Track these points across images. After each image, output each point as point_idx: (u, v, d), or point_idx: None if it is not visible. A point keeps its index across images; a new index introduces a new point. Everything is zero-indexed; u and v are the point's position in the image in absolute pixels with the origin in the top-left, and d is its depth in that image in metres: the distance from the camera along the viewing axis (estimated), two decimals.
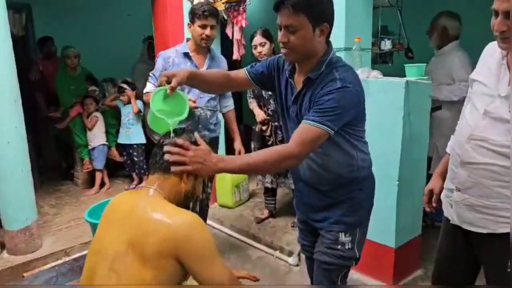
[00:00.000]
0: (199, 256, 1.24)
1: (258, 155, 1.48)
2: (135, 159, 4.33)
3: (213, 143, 2.73)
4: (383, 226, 2.49)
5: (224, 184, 3.87)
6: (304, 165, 1.66)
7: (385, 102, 2.35)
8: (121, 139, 4.39)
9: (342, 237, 1.68)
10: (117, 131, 4.45)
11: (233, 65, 3.62)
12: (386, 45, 2.94)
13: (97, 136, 4.40)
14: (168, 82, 1.51)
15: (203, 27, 2.51)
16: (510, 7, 1.28)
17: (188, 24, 2.60)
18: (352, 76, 1.52)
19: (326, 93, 1.45)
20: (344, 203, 1.68)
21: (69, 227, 3.57)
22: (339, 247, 1.69)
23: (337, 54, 2.48)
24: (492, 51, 1.49)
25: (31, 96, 4.47)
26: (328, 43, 1.56)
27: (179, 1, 3.58)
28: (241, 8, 3.27)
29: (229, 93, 2.92)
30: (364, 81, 2.38)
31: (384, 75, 2.49)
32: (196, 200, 1.52)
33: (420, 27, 3.13)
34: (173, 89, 1.49)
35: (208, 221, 3.67)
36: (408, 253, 2.59)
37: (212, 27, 2.54)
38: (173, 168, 1.34)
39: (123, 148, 4.43)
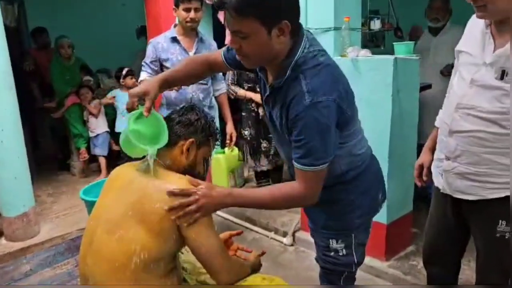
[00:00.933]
0: (198, 221, 1.27)
1: (268, 192, 1.36)
2: None
3: None
4: None
5: (219, 169, 3.89)
6: (284, 157, 1.56)
7: (374, 80, 2.38)
8: (121, 126, 4.26)
9: (334, 244, 1.53)
10: (113, 120, 4.47)
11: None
12: (376, 24, 2.97)
13: (100, 124, 4.42)
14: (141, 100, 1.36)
15: (187, 10, 2.56)
16: None
17: (174, 9, 2.63)
18: (322, 82, 1.24)
19: (296, 118, 1.23)
20: (326, 206, 1.48)
21: (66, 214, 3.61)
22: (332, 254, 1.55)
23: (327, 34, 2.54)
24: (475, 22, 1.51)
25: (26, 87, 4.46)
26: (296, 38, 1.28)
27: None
28: None
29: (220, 76, 2.95)
30: (353, 59, 2.43)
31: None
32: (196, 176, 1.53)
33: (408, 7, 3.16)
34: (149, 110, 1.35)
35: None
36: (400, 229, 2.63)
37: (196, 10, 2.57)
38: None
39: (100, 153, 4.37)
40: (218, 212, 3.60)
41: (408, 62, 2.37)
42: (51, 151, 5.10)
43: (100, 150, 4.43)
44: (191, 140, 1.40)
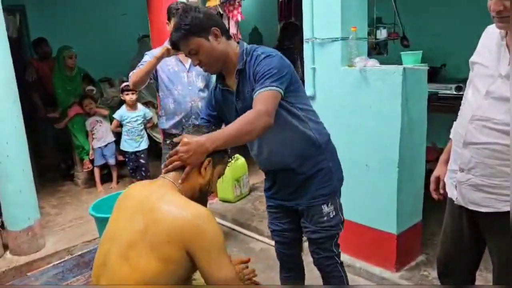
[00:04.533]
0: (207, 249, 1.24)
1: (234, 124, 1.51)
2: (142, 161, 4.25)
3: None
4: (385, 213, 2.52)
5: (224, 178, 3.88)
6: (266, 154, 1.79)
7: (383, 90, 2.37)
8: (129, 147, 4.21)
9: (325, 208, 1.81)
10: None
11: None
12: (382, 34, 2.96)
13: (108, 133, 4.42)
14: None
15: None
16: None
17: (167, 23, 2.67)
18: (271, 49, 1.70)
19: (256, 65, 1.63)
20: (315, 177, 1.79)
21: (72, 226, 3.58)
22: (325, 218, 1.82)
23: (334, 44, 2.54)
24: (491, 33, 1.51)
25: (28, 97, 4.46)
26: (231, 39, 1.72)
27: None
28: (236, 3, 3.28)
29: None
30: (361, 70, 2.43)
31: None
32: (210, 193, 1.54)
33: (414, 16, 3.16)
34: None
35: None
36: (409, 238, 2.61)
37: None
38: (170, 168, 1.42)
39: (127, 155, 4.28)
40: (226, 223, 3.58)
41: (417, 72, 2.36)
42: (54, 161, 5.07)
43: (112, 160, 4.44)
44: (208, 159, 1.39)
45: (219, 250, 1.26)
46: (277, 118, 1.58)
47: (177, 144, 1.41)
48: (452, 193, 1.67)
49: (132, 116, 4.16)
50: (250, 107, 1.55)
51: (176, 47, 1.67)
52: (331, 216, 1.82)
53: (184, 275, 1.28)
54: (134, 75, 2.53)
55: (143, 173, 4.28)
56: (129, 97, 4.07)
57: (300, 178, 1.80)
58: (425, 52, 2.48)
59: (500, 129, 1.42)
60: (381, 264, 2.63)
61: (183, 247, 1.23)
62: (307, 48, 2.68)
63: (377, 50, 3.88)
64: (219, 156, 1.47)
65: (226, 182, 3.87)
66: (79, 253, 2.85)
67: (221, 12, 3.36)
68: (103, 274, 1.32)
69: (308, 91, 2.63)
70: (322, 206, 1.80)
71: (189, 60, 2.67)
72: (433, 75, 3.80)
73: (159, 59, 2.45)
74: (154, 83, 2.73)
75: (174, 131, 2.74)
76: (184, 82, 2.70)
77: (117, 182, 4.51)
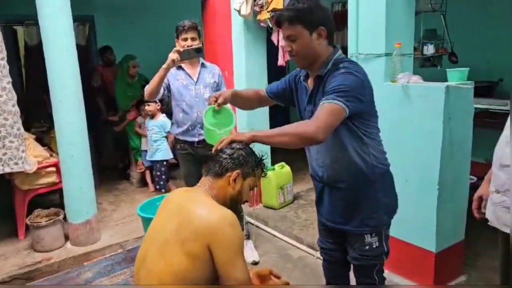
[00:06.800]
0: (226, 249, 1.37)
1: (285, 128, 1.57)
2: (158, 173, 4.25)
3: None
4: (423, 230, 2.50)
5: (269, 186, 3.99)
6: (320, 164, 1.80)
7: (425, 107, 2.36)
8: (146, 155, 4.38)
9: (369, 238, 1.80)
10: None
11: (279, 70, 3.76)
12: (429, 50, 2.93)
13: None
14: (216, 101, 1.83)
15: (185, 40, 2.85)
16: None
17: (176, 40, 2.91)
18: (356, 67, 1.66)
19: (332, 78, 1.61)
20: (362, 205, 1.78)
21: (125, 222, 3.85)
22: (367, 247, 1.81)
23: (378, 59, 2.57)
24: None
25: (93, 101, 4.83)
26: (333, 46, 1.73)
27: (227, 9, 3.76)
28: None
29: None
30: (404, 86, 2.44)
31: (432, 78, 2.50)
32: (242, 203, 1.67)
33: (464, 32, 3.09)
34: (220, 105, 1.82)
35: (253, 221, 3.81)
36: (449, 258, 2.56)
37: (192, 39, 2.85)
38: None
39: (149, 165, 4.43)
40: (267, 229, 3.68)
41: (461, 90, 2.32)
42: (114, 161, 5.43)
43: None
44: (237, 171, 1.52)
45: (236, 251, 1.38)
46: (338, 134, 1.63)
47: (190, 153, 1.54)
48: (488, 213, 1.67)
49: (149, 125, 4.29)
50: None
51: (278, 24, 1.69)
52: (374, 246, 1.81)
53: (211, 273, 1.40)
54: (147, 87, 2.75)
55: (158, 186, 4.28)
56: (146, 108, 4.24)
57: (345, 203, 1.80)
58: (483, 67, 2.43)
59: None
60: (419, 281, 2.60)
61: (206, 245, 1.37)
62: None
63: (431, 62, 3.83)
64: (249, 168, 1.58)
65: (271, 189, 3.98)
66: (128, 248, 3.07)
67: (271, 25, 3.48)
68: (142, 268, 1.49)
69: None
70: (366, 236, 1.80)
71: (197, 73, 2.96)
72: (489, 90, 3.68)
73: (166, 70, 2.63)
74: (168, 94, 2.95)
75: (181, 138, 2.98)
76: (192, 94, 2.92)
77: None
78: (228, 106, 1.91)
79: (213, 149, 1.58)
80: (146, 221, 2.66)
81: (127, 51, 4.89)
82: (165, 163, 4.26)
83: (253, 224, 3.78)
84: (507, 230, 1.55)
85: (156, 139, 4.22)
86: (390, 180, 1.85)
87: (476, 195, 1.81)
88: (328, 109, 1.52)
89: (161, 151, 4.23)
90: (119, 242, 3.45)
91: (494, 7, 3.72)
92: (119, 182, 5.05)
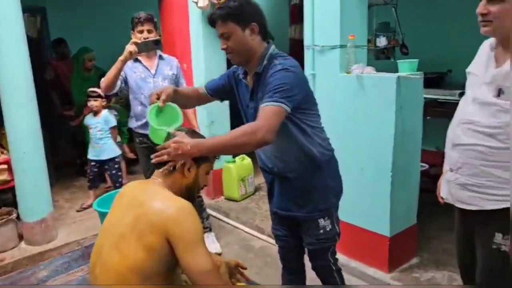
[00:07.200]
0: (184, 239, 1.35)
1: (229, 134, 1.56)
2: (113, 171, 3.99)
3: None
4: (377, 216, 2.60)
5: (230, 178, 4.01)
6: (269, 156, 1.85)
7: (377, 97, 2.45)
8: (89, 154, 4.02)
9: (322, 222, 1.87)
10: (128, 130, 4.56)
11: None
12: (382, 41, 3.03)
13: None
14: (158, 99, 1.74)
15: (141, 32, 2.81)
16: None
17: (131, 33, 2.86)
18: (291, 62, 1.69)
19: (270, 76, 1.64)
20: (313, 192, 1.84)
21: (82, 219, 3.76)
22: (321, 231, 1.88)
23: (333, 51, 2.63)
24: (485, 46, 1.65)
25: (46, 95, 4.66)
26: (267, 41, 1.77)
27: (184, 1, 3.72)
28: None
29: None
30: (358, 76, 2.51)
31: (386, 70, 2.58)
32: (200, 189, 1.65)
33: (415, 24, 3.22)
34: (164, 102, 1.72)
35: (214, 213, 3.82)
36: (403, 241, 2.68)
37: (149, 31, 2.82)
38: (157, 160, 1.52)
39: (93, 164, 4.02)
40: (229, 221, 3.70)
41: (412, 80, 2.42)
42: (70, 156, 5.26)
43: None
44: (190, 162, 1.52)
45: (196, 241, 1.37)
46: (283, 128, 1.64)
47: (150, 146, 1.51)
48: (443, 191, 1.78)
49: (92, 122, 3.96)
50: (254, 118, 1.61)
51: (212, 24, 1.72)
52: (327, 229, 1.88)
53: (168, 263, 1.39)
54: (104, 80, 2.68)
55: (117, 184, 3.97)
56: (90, 103, 3.93)
57: (296, 192, 1.85)
58: (433, 58, 2.54)
59: (482, 131, 1.54)
60: (375, 264, 2.71)
61: (164, 237, 1.35)
62: (307, 54, 2.79)
63: (385, 54, 3.96)
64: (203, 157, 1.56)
65: (232, 181, 4.00)
66: (85, 245, 3.01)
67: None
68: (97, 262, 1.47)
69: None
70: (319, 220, 1.86)
71: (155, 66, 2.93)
72: (439, 81, 3.86)
73: (123, 62, 2.58)
74: (125, 87, 2.90)
75: (140, 131, 2.95)
76: (151, 87, 2.86)
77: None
78: (170, 103, 1.80)
79: (158, 150, 1.53)
80: (103, 216, 2.62)
81: (81, 44, 4.74)
82: (116, 159, 4.04)
83: (215, 217, 3.78)
84: (462, 206, 1.66)
85: (101, 137, 3.92)
86: (335, 164, 1.93)
87: (438, 183, 1.91)
88: (272, 110, 1.55)
89: (105, 150, 3.94)
90: (77, 240, 3.36)
91: (443, 1, 3.90)
92: (76, 178, 4.91)
